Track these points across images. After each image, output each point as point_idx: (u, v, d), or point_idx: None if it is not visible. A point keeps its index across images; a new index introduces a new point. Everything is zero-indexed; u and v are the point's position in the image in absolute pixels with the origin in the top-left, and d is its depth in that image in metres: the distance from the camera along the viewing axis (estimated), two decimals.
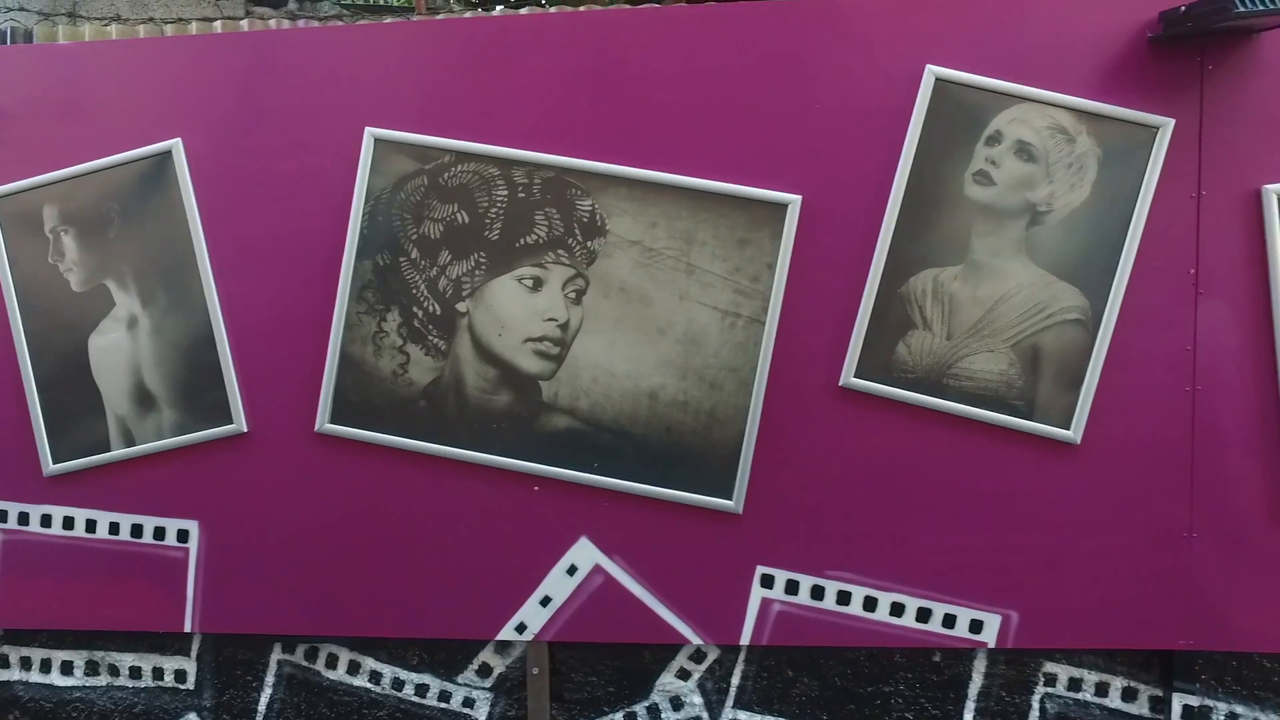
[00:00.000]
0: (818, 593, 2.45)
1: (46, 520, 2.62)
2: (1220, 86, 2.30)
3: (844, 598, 2.44)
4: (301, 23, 4.17)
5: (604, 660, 2.58)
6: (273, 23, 3.99)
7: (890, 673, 2.52)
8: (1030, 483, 2.38)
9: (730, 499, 2.44)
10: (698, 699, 2.55)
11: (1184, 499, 2.36)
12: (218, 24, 4.07)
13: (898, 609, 2.44)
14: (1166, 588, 2.38)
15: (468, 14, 4.26)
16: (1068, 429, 2.36)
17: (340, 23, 4.24)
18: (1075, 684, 2.47)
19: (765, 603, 2.47)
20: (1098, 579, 2.39)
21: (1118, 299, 2.33)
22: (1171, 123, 2.29)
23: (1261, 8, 1.96)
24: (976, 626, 2.42)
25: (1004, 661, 2.49)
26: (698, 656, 2.56)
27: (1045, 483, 2.38)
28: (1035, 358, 2.36)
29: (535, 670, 2.56)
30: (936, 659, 2.50)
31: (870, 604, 2.44)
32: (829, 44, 2.37)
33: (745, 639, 2.47)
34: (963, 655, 2.50)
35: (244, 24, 3.99)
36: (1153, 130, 2.30)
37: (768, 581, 2.47)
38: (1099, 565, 2.38)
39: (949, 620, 2.43)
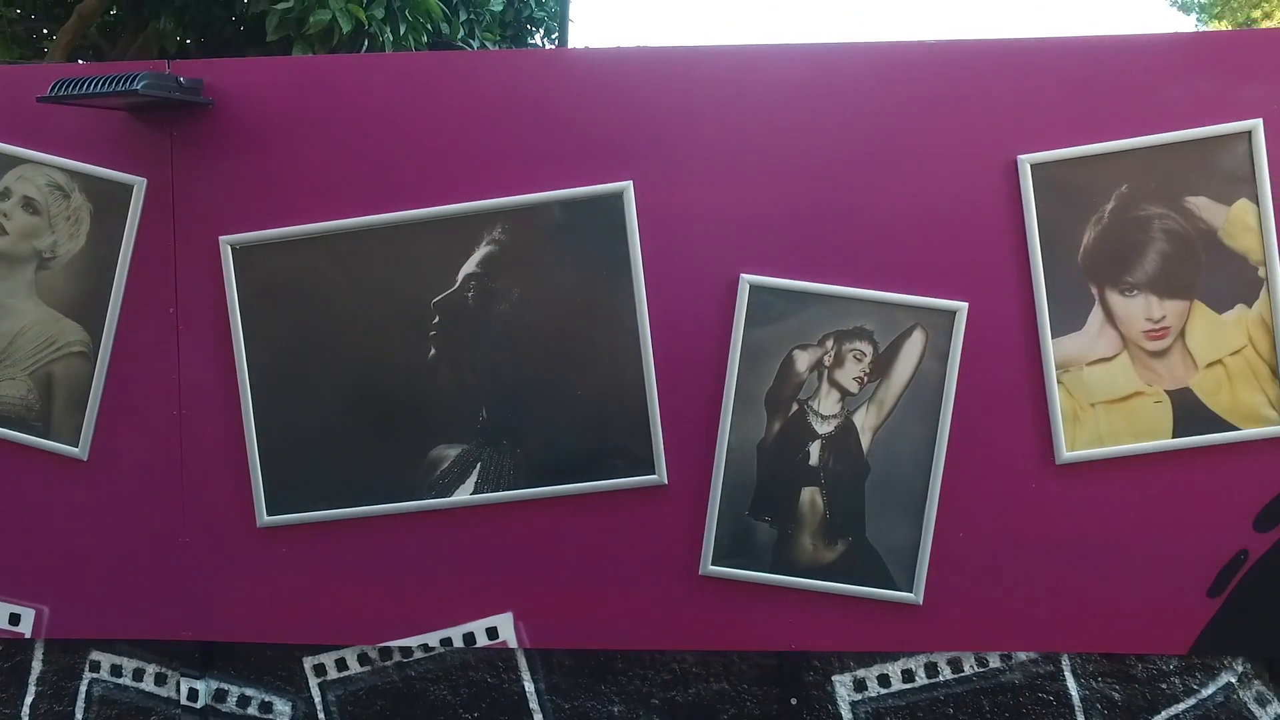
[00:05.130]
0: None
1: None
2: (188, 149, 2.64)
3: None
4: None
5: None
6: None
7: None
8: (50, 494, 2.72)
9: None
10: None
11: (178, 509, 2.69)
12: None
13: None
14: (170, 586, 2.72)
15: None
16: (76, 446, 2.70)
17: None
18: (117, 670, 2.81)
19: None
20: (115, 578, 2.73)
21: (111, 333, 2.67)
22: (144, 181, 2.65)
23: (60, 93, 2.32)
24: (15, 619, 2.76)
25: (60, 650, 2.82)
26: None
27: (62, 494, 2.72)
28: (49, 384, 2.71)
29: None
30: (1, 648, 2.84)
31: None
32: None
33: None
34: (26, 645, 2.83)
35: None
36: (129, 187, 2.65)
37: None
38: (116, 565, 2.72)
39: None
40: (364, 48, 3.79)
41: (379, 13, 3.63)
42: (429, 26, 4.00)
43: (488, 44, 4.56)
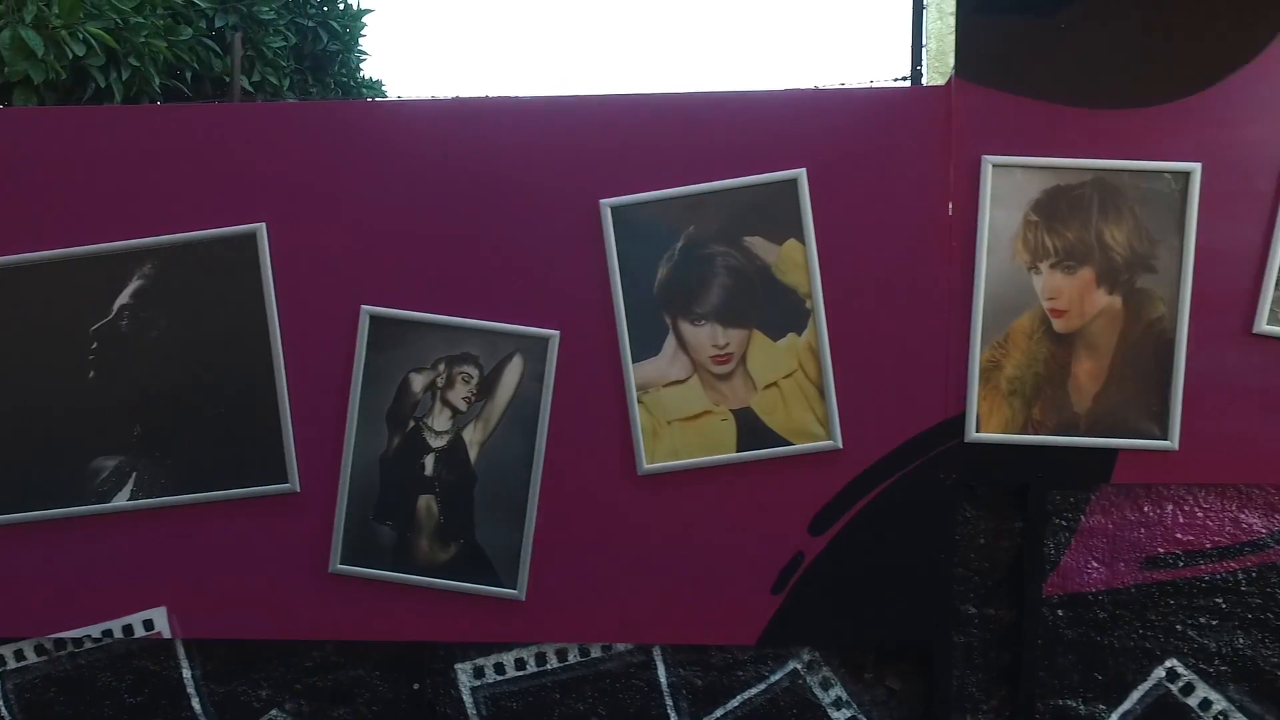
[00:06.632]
0: None
1: None
2: None
3: None
4: None
5: None
6: None
7: None
8: None
9: None
10: None
11: None
12: None
13: None
14: None
15: None
16: None
17: None
18: None
19: None
20: None
21: None
22: None
23: None
24: None
25: None
26: None
27: None
28: None
29: None
30: None
31: None
32: None
33: None
34: None
35: None
36: None
37: None
38: None
39: None
40: (89, 92, 4.08)
41: (97, 60, 3.92)
42: (194, 64, 4.28)
43: (270, 79, 4.86)
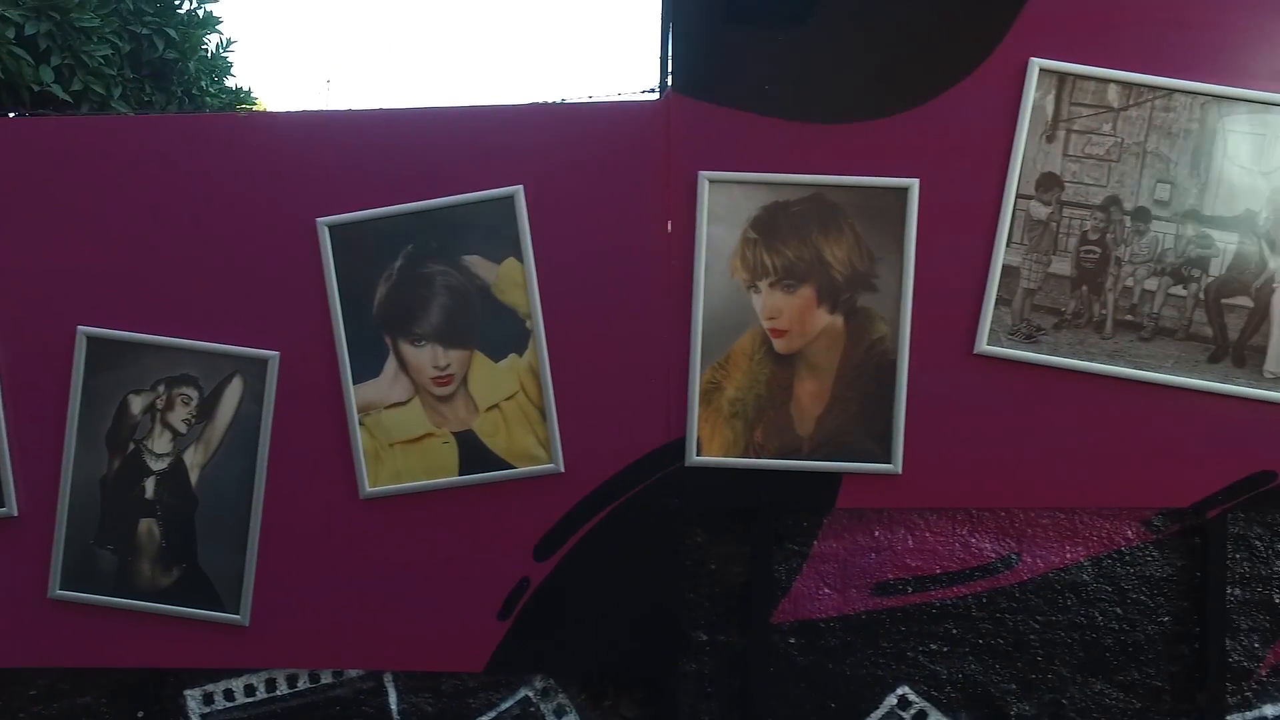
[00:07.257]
0: None
1: None
2: None
3: None
4: None
5: None
6: None
7: None
8: None
9: None
10: None
11: None
12: None
13: None
14: None
15: None
16: None
17: None
18: None
19: None
20: None
21: None
22: None
23: None
24: None
25: None
26: None
27: None
28: None
29: None
30: None
31: None
32: None
33: None
34: None
35: None
36: None
37: None
38: None
39: None
40: None
41: None
42: (0, 73, 4.15)
43: (94, 88, 4.72)
